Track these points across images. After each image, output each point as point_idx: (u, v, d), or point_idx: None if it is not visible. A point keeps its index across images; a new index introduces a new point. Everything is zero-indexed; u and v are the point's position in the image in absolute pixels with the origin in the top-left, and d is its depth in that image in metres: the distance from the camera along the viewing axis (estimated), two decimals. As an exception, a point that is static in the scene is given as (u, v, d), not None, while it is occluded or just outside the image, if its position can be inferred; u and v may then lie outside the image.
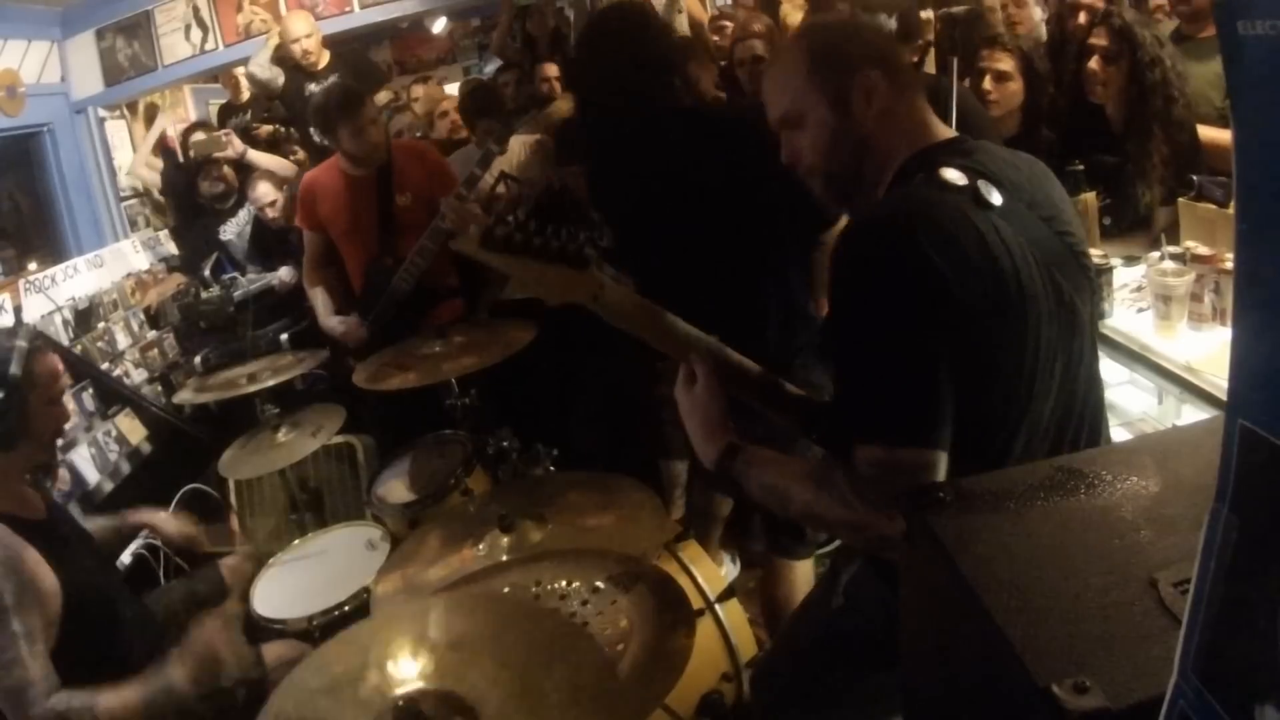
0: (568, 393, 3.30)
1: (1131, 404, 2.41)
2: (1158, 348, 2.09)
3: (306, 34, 4.29)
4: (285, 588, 2.41)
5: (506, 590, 1.62)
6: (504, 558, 1.82)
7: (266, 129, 4.59)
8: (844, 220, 1.57)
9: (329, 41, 4.48)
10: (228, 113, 5.15)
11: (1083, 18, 3.07)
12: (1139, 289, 2.38)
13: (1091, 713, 0.66)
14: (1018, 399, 1.15)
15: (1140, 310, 2.28)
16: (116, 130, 4.98)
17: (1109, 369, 2.01)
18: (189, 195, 4.39)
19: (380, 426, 3.19)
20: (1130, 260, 2.54)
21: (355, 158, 3.04)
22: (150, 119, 5.17)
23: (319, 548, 2.59)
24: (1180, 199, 2.40)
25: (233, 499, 3.12)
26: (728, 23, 4.32)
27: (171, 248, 4.61)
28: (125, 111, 5.07)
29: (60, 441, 1.91)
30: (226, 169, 4.17)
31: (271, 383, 3.03)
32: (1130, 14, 2.66)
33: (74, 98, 4.82)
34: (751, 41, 3.46)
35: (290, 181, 3.94)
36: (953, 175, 1.15)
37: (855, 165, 1.28)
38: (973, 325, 1.10)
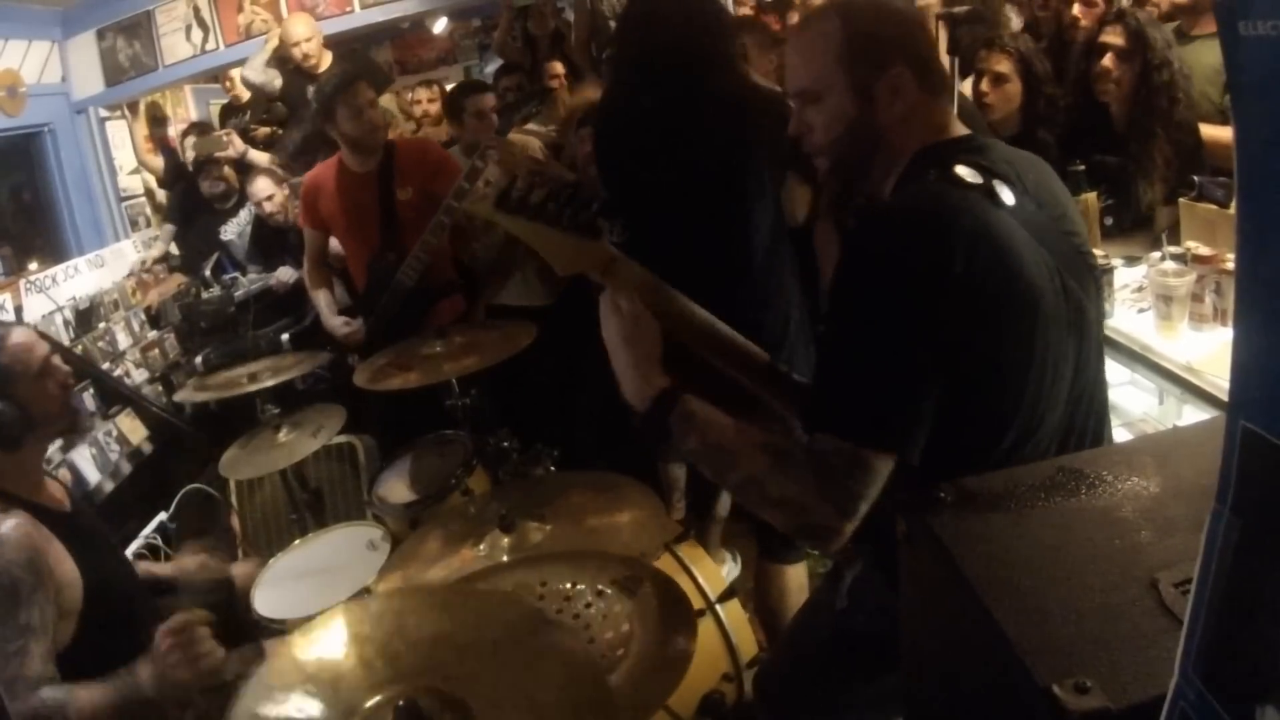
0: (568, 393, 3.29)
1: (1132, 404, 2.41)
2: (1159, 348, 2.08)
3: (307, 37, 4.27)
4: (285, 588, 2.40)
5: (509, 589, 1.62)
6: (505, 558, 1.82)
7: (264, 130, 4.58)
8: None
9: (330, 42, 4.47)
10: (229, 113, 5.15)
11: (1077, 9, 3.07)
12: (1140, 289, 2.37)
13: (1092, 713, 0.66)
14: (1025, 400, 1.14)
15: (1141, 310, 2.28)
16: (117, 130, 4.99)
17: (1110, 369, 2.00)
18: (190, 195, 4.39)
19: (381, 426, 3.18)
20: (1131, 260, 2.54)
21: (356, 143, 3.00)
22: (151, 119, 5.18)
23: (319, 548, 2.58)
24: (1181, 199, 2.40)
25: (233, 499, 3.11)
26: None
27: (172, 247, 4.62)
28: (126, 111, 5.07)
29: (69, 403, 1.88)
30: (227, 169, 4.17)
31: (272, 382, 3.02)
32: (1144, 15, 2.66)
33: (75, 98, 4.82)
34: None
35: (288, 179, 3.94)
36: (967, 173, 1.14)
37: (866, 156, 1.25)
38: (983, 325, 1.09)
